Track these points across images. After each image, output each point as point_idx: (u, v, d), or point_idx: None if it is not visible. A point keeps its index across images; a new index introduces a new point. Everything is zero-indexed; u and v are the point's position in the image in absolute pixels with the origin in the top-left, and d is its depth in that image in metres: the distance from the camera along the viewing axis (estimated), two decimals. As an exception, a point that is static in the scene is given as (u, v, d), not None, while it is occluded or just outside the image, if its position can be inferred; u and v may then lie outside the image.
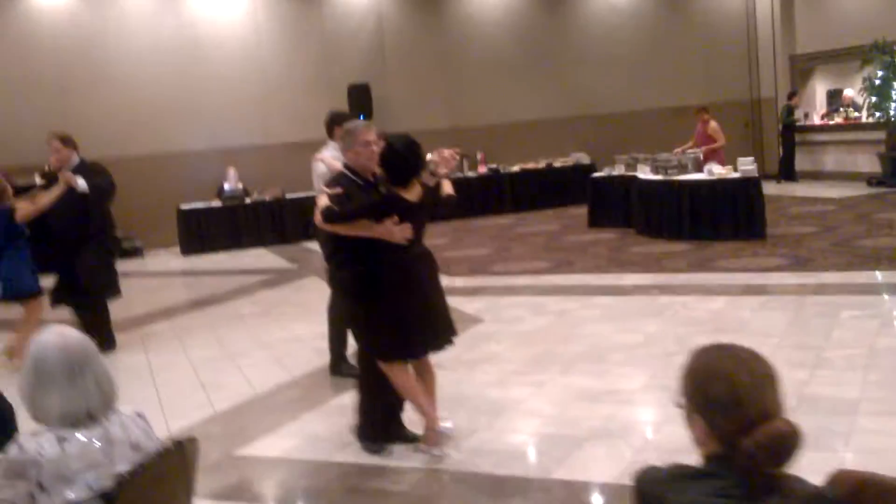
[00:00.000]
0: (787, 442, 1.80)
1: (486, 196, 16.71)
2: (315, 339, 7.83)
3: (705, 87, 18.33)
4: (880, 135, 16.26)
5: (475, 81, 17.55)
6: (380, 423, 5.05)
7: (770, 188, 11.66)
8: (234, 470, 4.90)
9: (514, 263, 11.07)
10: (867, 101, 16.21)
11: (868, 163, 16.65)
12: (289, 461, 5.03)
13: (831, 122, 18.24)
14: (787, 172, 17.87)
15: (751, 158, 11.82)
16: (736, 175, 11.50)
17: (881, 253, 9.66)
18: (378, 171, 4.82)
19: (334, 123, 6.54)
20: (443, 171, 4.93)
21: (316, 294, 10.19)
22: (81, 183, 7.46)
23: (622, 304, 8.27)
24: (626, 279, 9.38)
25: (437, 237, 13.99)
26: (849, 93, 18.27)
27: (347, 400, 6.00)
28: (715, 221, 11.28)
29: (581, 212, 14.42)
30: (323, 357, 7.16)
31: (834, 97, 18.91)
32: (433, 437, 4.83)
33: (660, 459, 4.55)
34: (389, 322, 4.68)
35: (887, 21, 15.84)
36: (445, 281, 10.13)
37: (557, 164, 17.31)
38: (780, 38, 18.72)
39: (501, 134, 17.50)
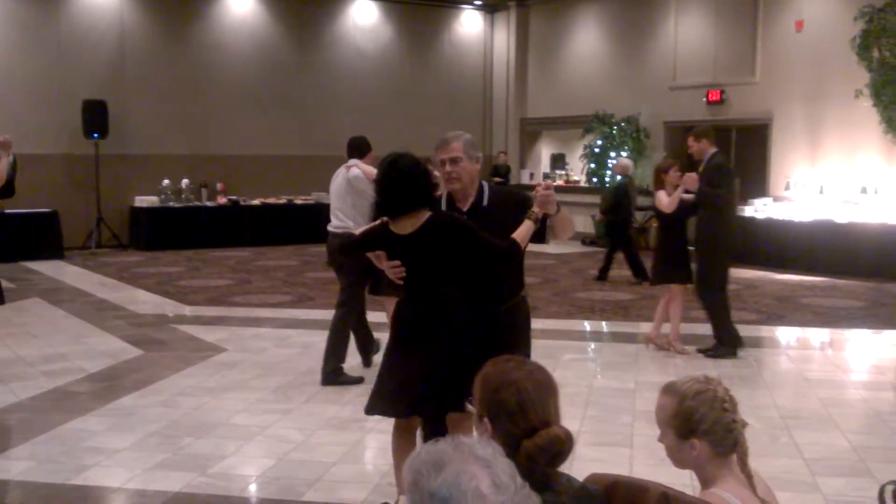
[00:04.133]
0: (563, 446, 2.09)
1: (224, 227, 16.47)
2: (41, 362, 7.47)
3: (443, 139, 19.21)
4: (596, 199, 17.77)
5: (220, 111, 17.33)
6: None
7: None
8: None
9: (255, 296, 11.05)
10: (586, 167, 17.73)
11: (583, 224, 18.13)
12: (22, 484, 4.78)
13: (553, 184, 19.63)
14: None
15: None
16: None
17: (595, 305, 10.63)
18: (457, 190, 4.05)
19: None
20: (538, 210, 3.94)
21: (39, 317, 9.67)
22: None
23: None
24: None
25: (171, 265, 13.70)
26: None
27: (78, 424, 5.79)
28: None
29: (320, 250, 14.57)
30: (52, 380, 6.86)
31: (558, 160, 20.47)
32: None
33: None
34: (383, 370, 4.08)
35: (608, 95, 17.45)
36: (183, 310, 10.03)
37: (298, 201, 17.43)
38: (514, 102, 20.07)
39: (243, 166, 17.37)
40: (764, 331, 9.26)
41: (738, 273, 13.22)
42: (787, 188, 14.61)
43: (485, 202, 4.09)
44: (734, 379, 7.06)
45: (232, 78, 17.54)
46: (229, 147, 17.34)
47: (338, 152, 17.67)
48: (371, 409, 4.06)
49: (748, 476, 2.38)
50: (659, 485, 2.24)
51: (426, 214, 3.85)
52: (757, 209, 14.07)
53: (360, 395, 6.58)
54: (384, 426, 5.80)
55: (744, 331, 8.82)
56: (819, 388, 7.00)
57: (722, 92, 15.76)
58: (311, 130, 18.13)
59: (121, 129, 16.00)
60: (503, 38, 20.38)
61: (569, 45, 19.03)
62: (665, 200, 7.89)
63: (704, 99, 16.01)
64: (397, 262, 3.91)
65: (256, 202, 17.06)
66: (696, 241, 8.00)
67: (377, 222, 4.13)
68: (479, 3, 20.33)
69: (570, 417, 5.91)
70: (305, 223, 16.60)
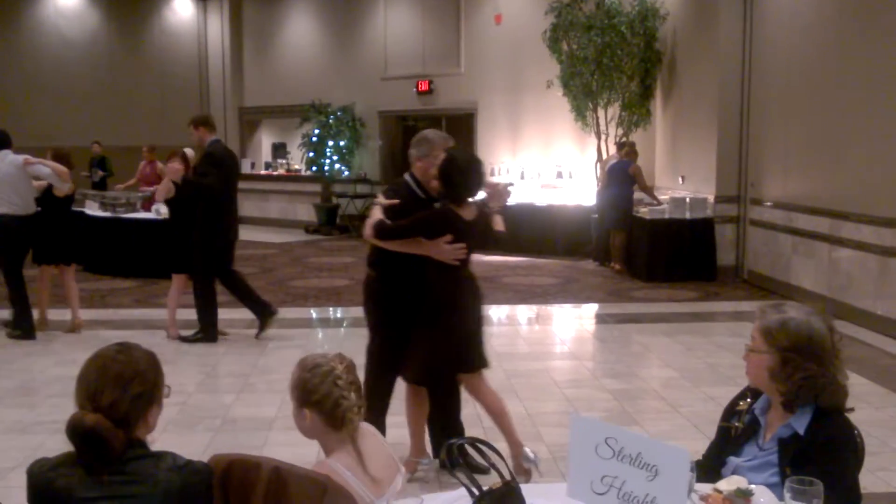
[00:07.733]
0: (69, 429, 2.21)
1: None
2: None
3: (159, 129, 18.64)
4: (317, 187, 18.00)
5: None
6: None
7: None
8: None
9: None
10: (305, 155, 17.87)
11: (306, 212, 18.30)
12: None
13: (275, 173, 19.69)
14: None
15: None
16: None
17: (309, 292, 10.81)
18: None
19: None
20: (495, 204, 4.70)
21: None
22: None
23: (63, 338, 8.24)
24: (68, 315, 9.23)
25: None
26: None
27: None
28: (161, 259, 11.51)
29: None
30: None
31: (279, 149, 20.45)
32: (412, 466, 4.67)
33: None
34: (435, 340, 4.53)
35: (324, 85, 17.66)
36: None
37: None
38: (231, 91, 19.81)
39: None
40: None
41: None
42: (492, 174, 15.48)
43: None
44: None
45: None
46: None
47: (44, 143, 16.82)
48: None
49: (358, 453, 2.59)
50: (272, 460, 2.42)
51: (473, 203, 4.49)
52: (466, 195, 14.78)
53: (50, 397, 6.38)
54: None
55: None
56: (506, 360, 7.53)
57: (430, 82, 16.43)
58: (14, 120, 16.96)
59: None
60: (217, 26, 20.03)
61: (284, 34, 19.05)
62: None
63: (415, 89, 16.62)
64: (462, 245, 4.38)
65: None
66: (195, 229, 7.91)
67: (432, 210, 4.47)
68: (191, -11, 19.90)
69: (267, 404, 6.07)
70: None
